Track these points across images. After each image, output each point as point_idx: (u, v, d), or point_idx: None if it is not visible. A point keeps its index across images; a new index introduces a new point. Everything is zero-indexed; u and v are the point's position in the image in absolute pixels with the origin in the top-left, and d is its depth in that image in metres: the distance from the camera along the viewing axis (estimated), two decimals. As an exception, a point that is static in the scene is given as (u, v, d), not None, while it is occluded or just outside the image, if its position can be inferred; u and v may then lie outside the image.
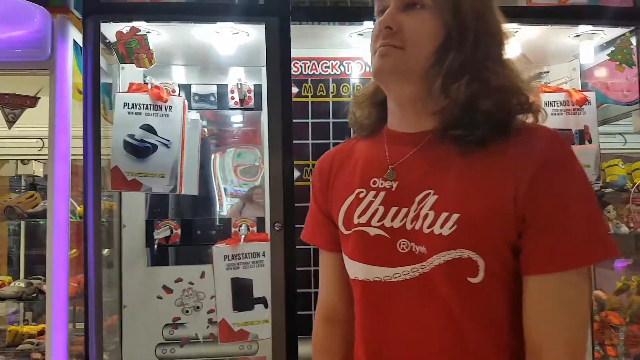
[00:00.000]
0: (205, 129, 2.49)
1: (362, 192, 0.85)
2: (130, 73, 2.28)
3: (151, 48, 1.82)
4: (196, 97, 2.41)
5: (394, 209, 0.81)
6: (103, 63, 2.19)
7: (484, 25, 0.80)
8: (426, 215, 0.76)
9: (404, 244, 0.79)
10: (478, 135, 0.75)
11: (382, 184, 0.83)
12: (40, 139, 2.59)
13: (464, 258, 0.73)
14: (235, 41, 2.06)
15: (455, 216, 0.74)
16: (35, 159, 3.06)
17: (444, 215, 0.75)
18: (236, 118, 2.48)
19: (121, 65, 2.24)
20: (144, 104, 2.01)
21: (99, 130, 1.79)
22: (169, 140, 2.00)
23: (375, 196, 0.83)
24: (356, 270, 0.85)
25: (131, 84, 2.08)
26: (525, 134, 0.76)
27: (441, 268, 0.75)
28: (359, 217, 0.84)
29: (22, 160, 3.09)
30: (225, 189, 2.43)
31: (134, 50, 1.78)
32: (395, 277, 0.79)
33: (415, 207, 0.78)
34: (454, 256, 0.74)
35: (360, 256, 0.84)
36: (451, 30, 0.78)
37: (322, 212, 0.96)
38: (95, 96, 1.78)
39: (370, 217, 0.83)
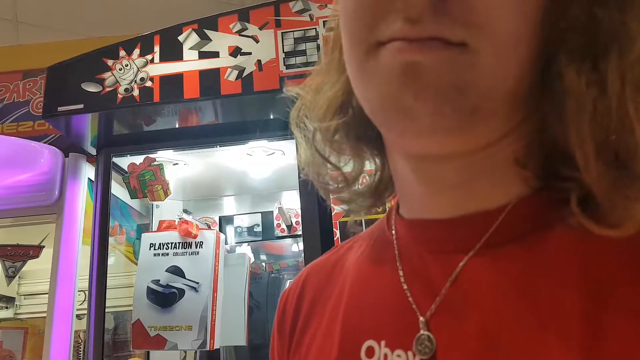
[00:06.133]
0: (264, 264, 2.22)
1: None
2: (167, 211, 2.07)
3: (167, 179, 1.59)
4: (239, 229, 2.13)
5: None
6: (137, 204, 2.02)
7: None
8: None
9: None
10: None
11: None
12: (83, 291, 2.39)
13: None
14: (272, 163, 1.81)
15: None
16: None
17: None
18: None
19: (155, 203, 2.05)
20: (172, 243, 1.75)
21: (104, 280, 1.51)
22: (197, 283, 1.68)
23: None
24: None
25: (161, 222, 1.84)
26: None
27: None
28: None
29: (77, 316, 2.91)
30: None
31: (147, 183, 1.55)
32: None
33: None
34: None
35: None
36: None
37: None
38: (103, 241, 1.53)
39: None
